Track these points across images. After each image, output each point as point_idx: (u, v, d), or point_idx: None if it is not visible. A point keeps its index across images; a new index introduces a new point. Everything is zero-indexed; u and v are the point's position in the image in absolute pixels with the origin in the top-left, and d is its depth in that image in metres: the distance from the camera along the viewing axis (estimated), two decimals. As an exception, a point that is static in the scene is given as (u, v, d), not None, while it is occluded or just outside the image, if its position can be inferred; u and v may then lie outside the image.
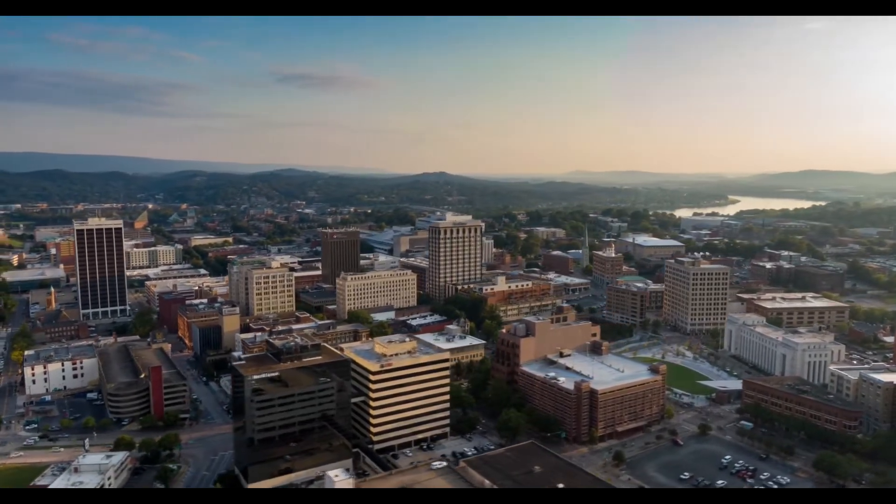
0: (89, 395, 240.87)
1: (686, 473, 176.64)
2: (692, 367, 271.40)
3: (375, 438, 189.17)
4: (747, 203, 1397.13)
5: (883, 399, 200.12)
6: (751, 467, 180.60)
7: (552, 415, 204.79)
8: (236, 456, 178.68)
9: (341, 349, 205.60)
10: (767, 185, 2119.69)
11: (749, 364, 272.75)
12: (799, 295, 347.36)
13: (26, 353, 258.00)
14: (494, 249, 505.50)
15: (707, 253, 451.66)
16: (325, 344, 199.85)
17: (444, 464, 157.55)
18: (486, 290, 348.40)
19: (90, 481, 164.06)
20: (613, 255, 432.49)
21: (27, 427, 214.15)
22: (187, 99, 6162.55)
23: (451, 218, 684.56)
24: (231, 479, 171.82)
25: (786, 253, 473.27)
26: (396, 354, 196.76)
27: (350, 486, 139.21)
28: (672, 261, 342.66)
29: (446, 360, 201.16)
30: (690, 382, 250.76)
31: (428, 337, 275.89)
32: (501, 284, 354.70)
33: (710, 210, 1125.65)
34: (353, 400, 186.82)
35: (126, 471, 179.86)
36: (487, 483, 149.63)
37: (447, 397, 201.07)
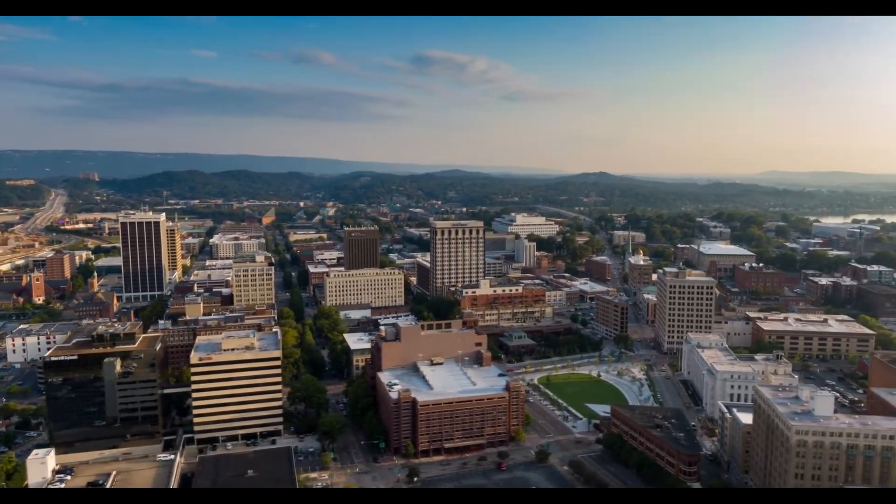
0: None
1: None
2: (623, 390, 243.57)
3: (196, 428, 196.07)
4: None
5: (742, 442, 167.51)
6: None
7: (384, 423, 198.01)
8: (48, 434, 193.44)
9: (195, 339, 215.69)
10: None
11: (691, 391, 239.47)
12: (820, 317, 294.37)
13: (20, 326, 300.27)
14: (537, 253, 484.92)
15: (760, 264, 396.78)
16: (158, 334, 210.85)
17: (172, 457, 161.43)
18: (467, 293, 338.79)
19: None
20: (642, 262, 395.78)
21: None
22: (389, 108, 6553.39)
23: (522, 220, 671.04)
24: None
25: (874, 268, 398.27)
26: (233, 349, 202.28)
27: (52, 463, 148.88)
28: (661, 272, 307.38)
29: (276, 360, 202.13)
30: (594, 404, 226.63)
31: (352, 337, 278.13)
32: (485, 288, 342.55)
33: (880, 217, 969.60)
34: (166, 390, 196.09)
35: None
36: (195, 482, 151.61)
37: (279, 395, 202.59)
